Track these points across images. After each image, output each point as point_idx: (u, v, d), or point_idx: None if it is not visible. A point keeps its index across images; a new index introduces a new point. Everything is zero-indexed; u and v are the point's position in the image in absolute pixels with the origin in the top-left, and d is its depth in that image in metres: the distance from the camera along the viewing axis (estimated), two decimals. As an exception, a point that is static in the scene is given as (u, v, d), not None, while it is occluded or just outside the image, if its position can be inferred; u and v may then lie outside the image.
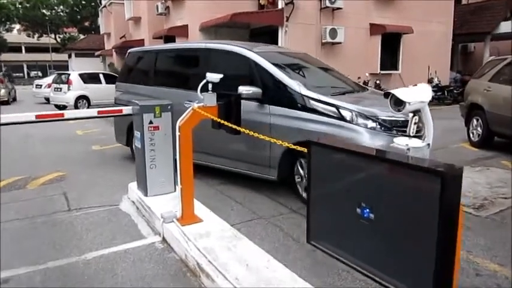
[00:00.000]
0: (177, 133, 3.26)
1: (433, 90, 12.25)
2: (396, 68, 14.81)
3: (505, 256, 3.12)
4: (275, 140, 2.57)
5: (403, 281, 1.03)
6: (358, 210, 1.10)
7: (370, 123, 3.83)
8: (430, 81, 14.70)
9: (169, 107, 3.93)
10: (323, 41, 12.99)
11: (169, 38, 14.24)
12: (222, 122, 3.17)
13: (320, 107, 4.00)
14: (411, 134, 1.12)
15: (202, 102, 3.32)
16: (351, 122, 3.87)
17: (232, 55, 4.77)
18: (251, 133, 2.69)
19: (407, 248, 1.01)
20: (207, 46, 5.18)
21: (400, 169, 1.00)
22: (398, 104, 1.11)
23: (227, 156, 4.73)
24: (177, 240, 3.13)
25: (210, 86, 3.34)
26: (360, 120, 3.84)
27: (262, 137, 2.65)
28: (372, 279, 1.11)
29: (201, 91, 3.33)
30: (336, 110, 3.95)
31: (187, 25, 13.93)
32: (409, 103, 1.07)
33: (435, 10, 15.28)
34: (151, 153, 3.92)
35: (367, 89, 5.48)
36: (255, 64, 4.49)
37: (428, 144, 1.12)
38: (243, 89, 4.12)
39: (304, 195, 4.03)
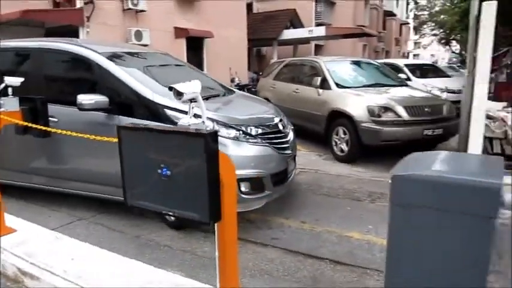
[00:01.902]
0: (-24, 142, 3.03)
1: (236, 88, 13.87)
2: (202, 69, 16.06)
3: (288, 210, 4.15)
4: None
5: (194, 211, 1.58)
6: (159, 170, 1.58)
7: (233, 133, 3.48)
8: (232, 80, 16.55)
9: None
10: (129, 42, 12.99)
11: None
12: (30, 125, 3.13)
13: (176, 117, 3.36)
14: (191, 116, 1.66)
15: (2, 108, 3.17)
16: None
17: (72, 56, 4.02)
18: (64, 132, 2.74)
19: (193, 188, 1.55)
20: (41, 45, 4.24)
21: (182, 136, 1.53)
22: (180, 94, 1.63)
23: (71, 177, 4.01)
24: (-11, 255, 2.95)
25: (10, 90, 3.21)
26: (223, 130, 3.42)
27: (98, 138, 2.53)
28: (176, 217, 1.61)
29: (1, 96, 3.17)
30: None
31: (-40, 20, 11.69)
32: (185, 93, 1.60)
33: (231, 17, 17.22)
34: None
35: (234, 92, 4.96)
36: (99, 67, 3.79)
37: (203, 122, 1.69)
38: (84, 98, 3.43)
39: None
